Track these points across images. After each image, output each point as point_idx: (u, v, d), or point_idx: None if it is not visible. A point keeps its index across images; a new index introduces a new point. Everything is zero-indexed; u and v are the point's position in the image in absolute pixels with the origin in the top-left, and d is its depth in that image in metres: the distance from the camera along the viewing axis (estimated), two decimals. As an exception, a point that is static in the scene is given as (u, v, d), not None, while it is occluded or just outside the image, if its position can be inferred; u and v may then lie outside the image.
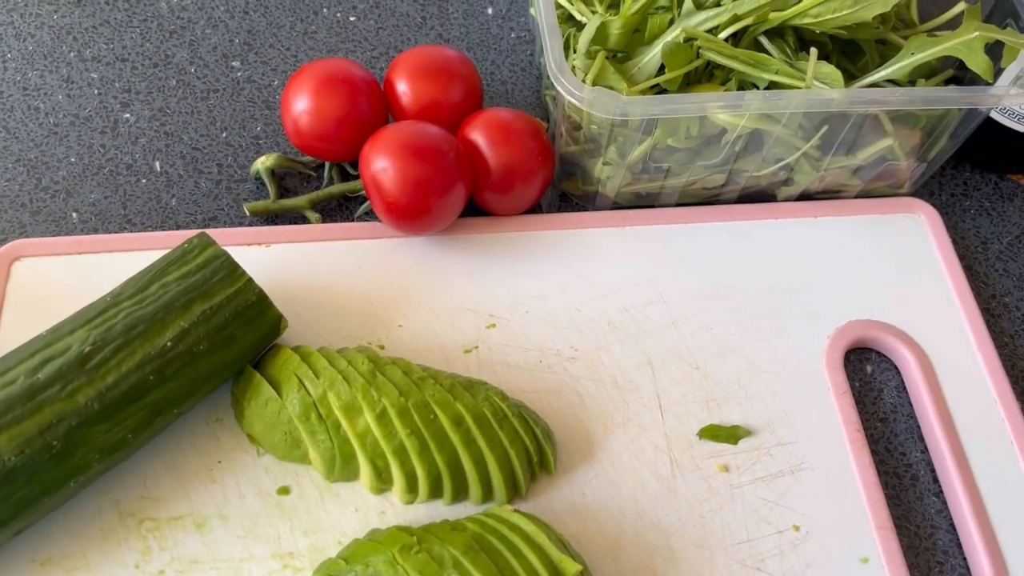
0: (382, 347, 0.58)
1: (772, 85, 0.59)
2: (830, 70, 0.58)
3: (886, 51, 0.63)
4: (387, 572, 0.45)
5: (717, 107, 0.56)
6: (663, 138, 0.59)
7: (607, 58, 0.59)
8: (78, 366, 0.47)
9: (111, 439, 0.47)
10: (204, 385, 0.51)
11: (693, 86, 0.61)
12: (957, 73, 0.65)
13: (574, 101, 0.55)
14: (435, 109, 0.63)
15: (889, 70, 0.60)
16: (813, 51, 0.57)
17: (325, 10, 0.76)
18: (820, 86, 0.57)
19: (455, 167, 0.58)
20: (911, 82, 0.61)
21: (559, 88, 0.55)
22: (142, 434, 0.49)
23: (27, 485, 0.45)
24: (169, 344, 0.49)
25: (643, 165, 0.62)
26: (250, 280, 0.52)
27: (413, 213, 0.58)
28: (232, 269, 0.51)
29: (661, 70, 0.59)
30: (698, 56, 0.59)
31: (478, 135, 0.61)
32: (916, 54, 0.59)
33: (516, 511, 0.49)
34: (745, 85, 0.60)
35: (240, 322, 0.51)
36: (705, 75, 0.62)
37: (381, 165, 0.58)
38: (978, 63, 0.57)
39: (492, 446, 0.51)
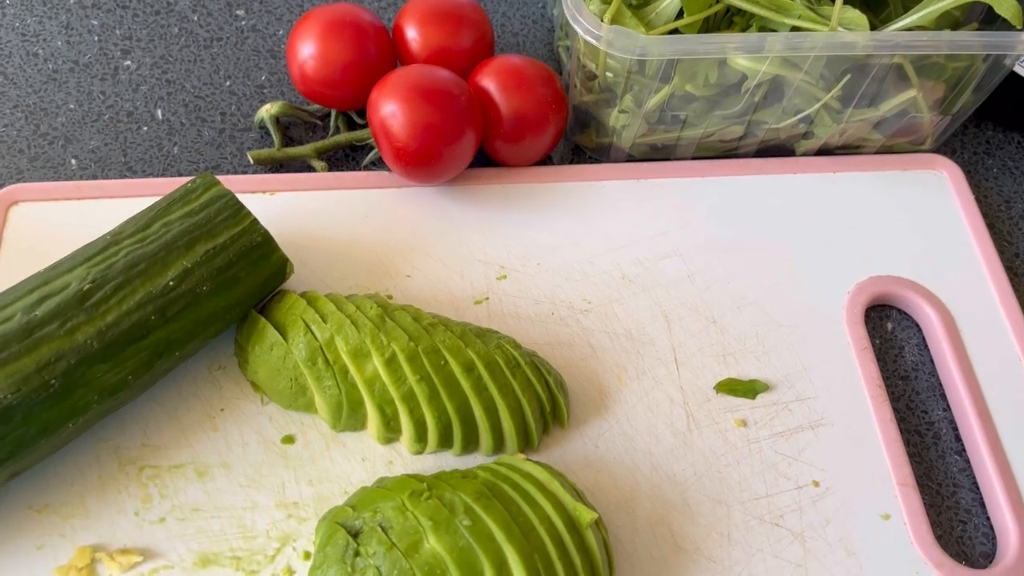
0: (391, 297, 0.56)
1: (793, 32, 0.57)
2: (855, 15, 0.56)
3: (908, 2, 0.62)
4: (396, 519, 0.44)
5: (737, 49, 0.55)
6: (681, 85, 0.57)
7: (625, 4, 0.57)
8: (77, 304, 0.45)
9: (111, 380, 0.46)
10: (207, 328, 0.49)
11: (712, 33, 0.59)
12: (981, 28, 0.63)
13: (592, 41, 0.53)
14: (445, 55, 0.61)
15: (914, 16, 0.58)
16: (840, -11, 0.55)
17: (332, -39, 0.74)
18: (844, 31, 0.55)
19: (466, 112, 0.57)
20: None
21: (577, 28, 0.54)
22: (142, 377, 0.47)
23: (24, 424, 0.43)
24: (171, 283, 0.47)
25: (660, 115, 0.60)
26: (255, 220, 0.50)
27: (422, 159, 0.56)
28: (237, 209, 0.50)
29: (680, 16, 0.57)
30: (718, 1, 0.57)
31: (489, 82, 0.59)
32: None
33: (528, 459, 0.48)
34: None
35: (244, 263, 0.49)
36: (724, 22, 0.60)
37: (390, 109, 0.56)
38: (1007, 8, 0.55)
39: (504, 394, 0.49)
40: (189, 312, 0.48)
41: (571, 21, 0.54)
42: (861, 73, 0.58)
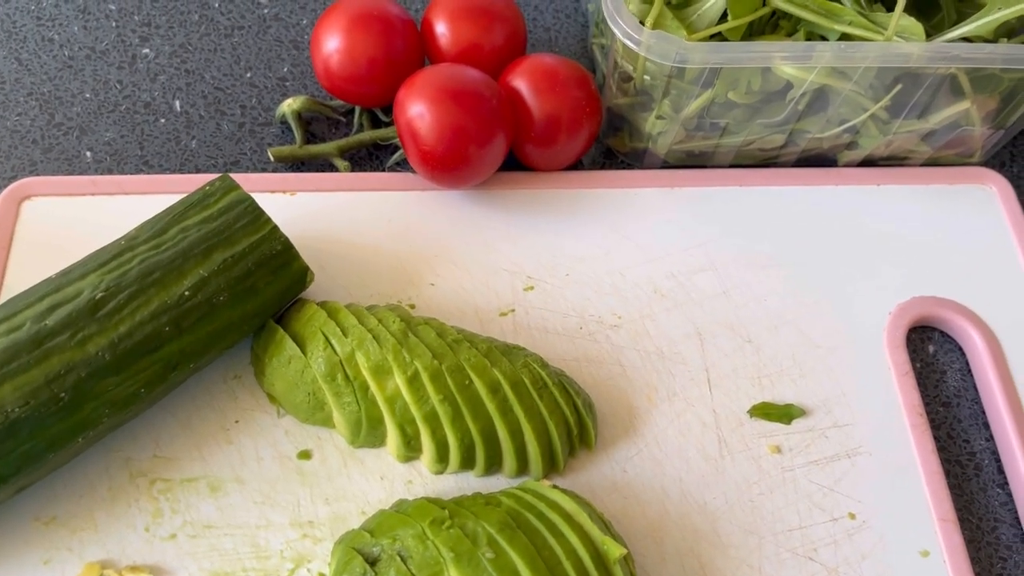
0: (412, 306, 0.54)
1: (843, 38, 0.54)
2: (910, 23, 0.53)
3: (963, 8, 0.58)
4: (416, 548, 0.42)
5: (784, 58, 0.52)
6: (722, 92, 0.55)
7: (665, 4, 0.54)
8: (89, 313, 0.43)
9: (122, 393, 0.44)
10: (223, 339, 0.47)
11: (756, 37, 0.56)
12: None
13: (631, 45, 0.51)
14: (475, 53, 0.59)
15: (972, 26, 0.55)
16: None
17: (358, -53, 0.71)
18: (898, 40, 0.53)
19: (497, 115, 0.54)
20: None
21: (615, 30, 0.51)
22: (155, 389, 0.45)
23: (31, 439, 0.42)
24: (187, 293, 0.45)
25: (698, 121, 0.57)
26: (275, 228, 0.48)
27: (450, 163, 0.54)
28: (256, 215, 0.48)
29: (723, 18, 0.54)
30: (764, 4, 0.54)
31: (521, 82, 0.57)
32: (1003, 9, 0.54)
33: (555, 487, 0.46)
34: (812, 38, 0.55)
35: (263, 272, 0.47)
36: (769, 26, 0.57)
37: (417, 110, 0.53)
38: (1072, 19, 0.52)
39: (530, 416, 0.47)
40: (205, 323, 0.46)
41: (609, 22, 0.51)
42: (913, 83, 0.55)
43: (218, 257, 0.46)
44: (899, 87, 0.55)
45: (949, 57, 0.52)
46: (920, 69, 0.53)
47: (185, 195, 0.50)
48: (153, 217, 0.48)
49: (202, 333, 0.46)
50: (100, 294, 0.44)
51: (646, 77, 0.56)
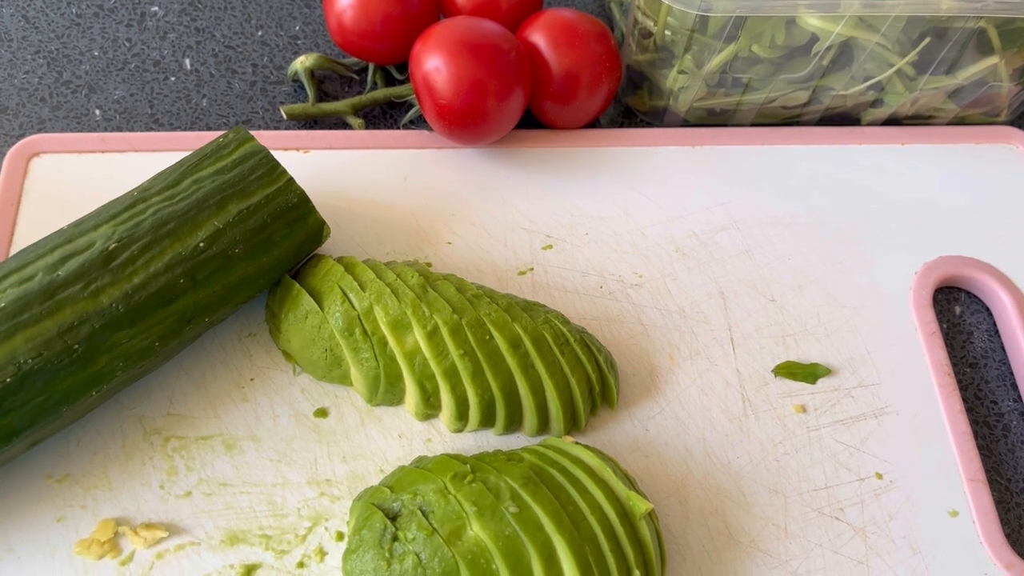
0: (430, 264, 0.53)
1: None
2: (940, -28, 0.51)
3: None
4: (437, 503, 0.41)
5: (811, 7, 0.51)
6: (746, 45, 0.53)
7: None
8: (102, 264, 0.42)
9: (137, 346, 0.43)
10: (238, 293, 0.46)
11: (780, -10, 0.55)
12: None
13: (655, -6, 0.49)
14: (491, 9, 0.57)
15: (1002, -22, 0.53)
16: (929, -56, 0.51)
17: (370, -95, 0.70)
18: (928, -10, 0.51)
19: (515, 69, 0.53)
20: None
21: (639, -21, 0.50)
22: (170, 343, 0.44)
23: (45, 391, 0.41)
24: (202, 245, 0.44)
25: (721, 77, 0.56)
26: (291, 180, 0.47)
27: (467, 118, 0.53)
28: (272, 167, 0.47)
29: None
30: (790, -46, 0.53)
31: (539, 36, 0.55)
32: (1035, -41, 0.52)
33: (577, 443, 0.45)
34: (839, -10, 0.54)
35: (279, 225, 0.46)
36: (794, -22, 0.56)
37: (434, 64, 0.52)
38: (1109, -31, 0.51)
39: (551, 372, 0.46)
40: (220, 276, 0.45)
41: (633, -28, 0.50)
42: (941, 37, 0.54)
43: (233, 208, 0.45)
44: (927, 41, 0.54)
45: (979, 6, 0.51)
46: (949, 21, 0.52)
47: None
48: (166, 168, 0.47)
49: (217, 286, 0.45)
50: (113, 245, 0.43)
51: (667, 32, 0.54)
